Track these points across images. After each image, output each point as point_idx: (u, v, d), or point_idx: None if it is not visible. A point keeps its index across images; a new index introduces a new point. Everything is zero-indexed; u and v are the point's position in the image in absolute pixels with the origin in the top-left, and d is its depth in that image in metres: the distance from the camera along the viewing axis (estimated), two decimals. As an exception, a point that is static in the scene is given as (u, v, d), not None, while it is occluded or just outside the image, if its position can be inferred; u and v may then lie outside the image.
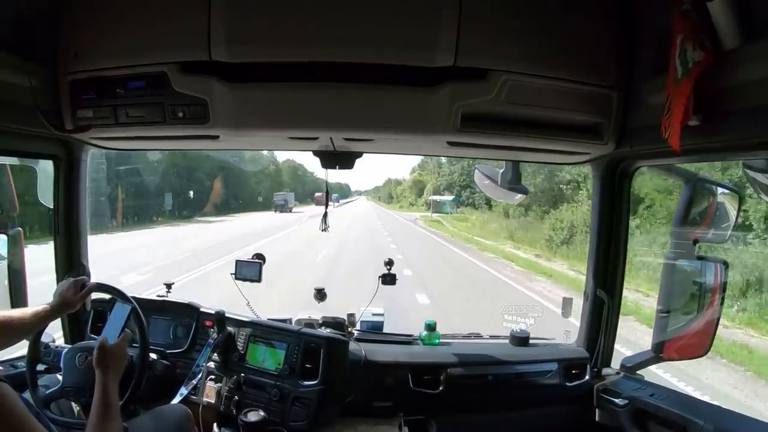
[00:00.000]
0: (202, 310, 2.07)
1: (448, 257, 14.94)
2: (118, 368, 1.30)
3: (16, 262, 1.95)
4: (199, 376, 1.89)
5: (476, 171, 2.30)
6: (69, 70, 1.61)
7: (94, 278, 1.89)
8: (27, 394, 1.62)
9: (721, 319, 1.81)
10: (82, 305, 1.62)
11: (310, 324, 2.10)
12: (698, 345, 1.84)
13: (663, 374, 4.88)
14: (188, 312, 2.08)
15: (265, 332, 1.96)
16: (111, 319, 1.64)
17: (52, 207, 2.00)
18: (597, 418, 2.02)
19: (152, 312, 2.02)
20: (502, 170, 2.17)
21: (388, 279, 2.17)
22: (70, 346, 1.78)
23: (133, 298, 1.71)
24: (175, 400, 1.79)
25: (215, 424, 1.89)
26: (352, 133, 1.69)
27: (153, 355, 1.87)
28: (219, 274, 6.55)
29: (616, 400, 1.91)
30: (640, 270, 9.14)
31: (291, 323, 2.12)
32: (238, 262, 2.12)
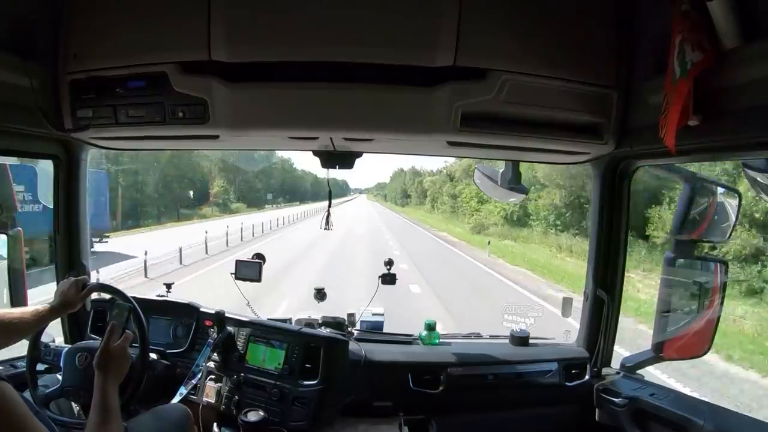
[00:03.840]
0: (201, 309, 2.07)
1: None
2: (119, 372, 1.28)
3: (16, 261, 1.95)
4: (199, 375, 1.89)
5: (476, 171, 2.31)
6: (69, 70, 1.61)
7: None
8: (27, 394, 1.62)
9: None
10: (82, 305, 1.62)
11: (310, 324, 2.11)
12: (698, 344, 1.83)
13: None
14: (188, 312, 2.08)
15: (264, 332, 1.96)
16: (111, 318, 1.62)
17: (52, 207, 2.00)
18: (597, 418, 2.02)
19: (152, 312, 2.02)
20: (502, 170, 2.18)
21: (388, 279, 2.17)
22: (70, 345, 1.78)
23: (133, 298, 1.71)
24: (175, 400, 1.79)
25: (215, 424, 1.89)
26: (352, 132, 1.69)
27: (153, 355, 1.87)
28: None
29: (616, 400, 1.91)
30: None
31: (291, 323, 2.12)
32: (238, 262, 2.12)
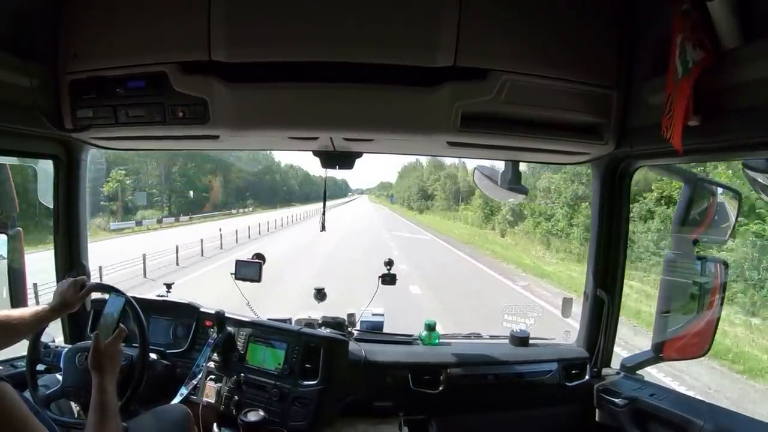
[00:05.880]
0: (202, 310, 2.07)
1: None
2: (113, 368, 1.29)
3: (16, 262, 1.95)
4: (199, 376, 1.89)
5: (476, 171, 2.30)
6: (69, 70, 1.61)
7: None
8: (27, 394, 1.62)
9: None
10: (81, 305, 1.62)
11: (310, 324, 2.11)
12: (698, 345, 1.84)
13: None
14: (188, 312, 2.08)
15: (265, 332, 1.96)
16: (104, 315, 1.53)
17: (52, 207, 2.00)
18: (597, 418, 2.02)
19: (152, 312, 2.02)
20: (502, 170, 2.17)
21: (388, 279, 2.17)
22: (69, 346, 1.78)
23: (133, 298, 1.71)
24: (175, 400, 1.79)
25: (215, 424, 1.89)
26: (352, 133, 1.69)
27: (153, 355, 1.87)
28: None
29: (616, 400, 1.91)
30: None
31: (291, 323, 2.12)
32: (238, 262, 2.12)
